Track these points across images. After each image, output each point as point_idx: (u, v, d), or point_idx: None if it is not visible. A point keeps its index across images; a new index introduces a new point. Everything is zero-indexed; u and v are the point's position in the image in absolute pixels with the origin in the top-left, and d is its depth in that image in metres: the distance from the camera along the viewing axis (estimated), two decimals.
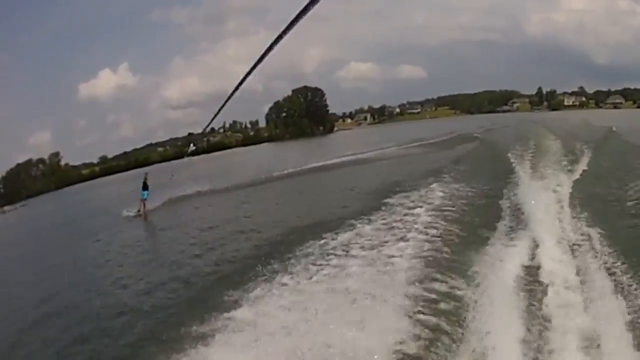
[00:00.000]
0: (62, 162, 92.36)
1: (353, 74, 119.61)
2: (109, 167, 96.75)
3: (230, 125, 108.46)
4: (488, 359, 5.46)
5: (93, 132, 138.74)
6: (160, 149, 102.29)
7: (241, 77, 3.79)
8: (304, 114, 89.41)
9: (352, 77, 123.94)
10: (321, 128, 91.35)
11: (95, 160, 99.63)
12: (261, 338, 6.49)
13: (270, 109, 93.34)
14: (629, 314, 5.92)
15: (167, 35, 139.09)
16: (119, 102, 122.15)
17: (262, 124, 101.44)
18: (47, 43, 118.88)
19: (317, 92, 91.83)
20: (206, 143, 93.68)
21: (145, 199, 22.01)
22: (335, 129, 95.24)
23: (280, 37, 2.95)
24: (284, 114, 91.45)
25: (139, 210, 21.69)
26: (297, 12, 2.61)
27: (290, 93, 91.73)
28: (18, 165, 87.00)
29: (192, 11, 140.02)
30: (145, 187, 22.18)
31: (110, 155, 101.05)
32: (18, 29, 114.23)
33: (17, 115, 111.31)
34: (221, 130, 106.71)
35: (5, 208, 63.63)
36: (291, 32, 2.84)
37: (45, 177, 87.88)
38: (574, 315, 6.05)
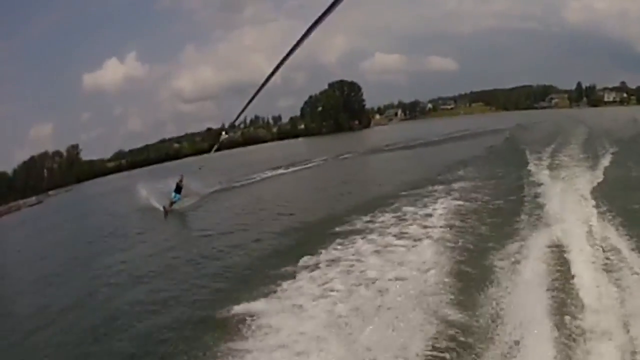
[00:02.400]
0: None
1: (378, 66, 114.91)
2: (137, 160, 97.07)
3: (252, 120, 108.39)
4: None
5: (99, 126, 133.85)
6: (176, 144, 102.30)
7: (271, 67, 3.59)
8: (340, 109, 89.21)
9: (378, 70, 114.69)
10: (357, 122, 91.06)
11: (106, 155, 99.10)
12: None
13: (305, 102, 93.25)
14: None
15: (178, 23, 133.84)
16: (127, 94, 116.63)
17: (285, 119, 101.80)
18: (49, 31, 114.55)
19: (354, 86, 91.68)
20: (241, 137, 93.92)
21: (175, 202, 21.46)
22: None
23: (311, 29, 2.63)
24: (319, 108, 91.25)
25: (165, 210, 21.12)
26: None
27: (307, 83, 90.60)
28: (32, 157, 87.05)
29: None
30: (178, 189, 21.64)
31: (125, 150, 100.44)
32: (18, 16, 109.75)
33: (16, 108, 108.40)
34: (242, 126, 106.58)
35: (50, 192, 67.88)
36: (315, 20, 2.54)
37: (61, 169, 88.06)
38: (604, 317, 5.86)
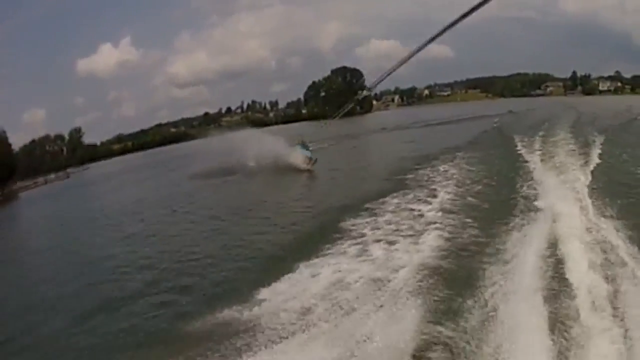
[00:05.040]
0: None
1: (374, 52, 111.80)
2: (143, 142, 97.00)
3: (249, 105, 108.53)
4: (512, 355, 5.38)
5: (92, 111, 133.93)
6: (173, 129, 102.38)
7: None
8: (343, 94, 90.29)
9: (373, 56, 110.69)
10: (358, 108, 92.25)
11: (101, 140, 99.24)
12: None
13: (309, 87, 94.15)
14: None
15: (174, 8, 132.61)
16: (121, 79, 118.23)
17: (282, 104, 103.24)
18: (42, 15, 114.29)
19: (356, 73, 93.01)
20: (245, 120, 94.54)
21: (311, 157, 24.68)
22: None
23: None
24: (322, 94, 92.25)
25: (308, 167, 24.29)
26: None
27: (301, 68, 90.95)
28: (34, 141, 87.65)
29: None
30: (305, 147, 25.50)
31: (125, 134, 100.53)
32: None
33: (8, 91, 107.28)
34: (239, 111, 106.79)
35: (69, 170, 70.42)
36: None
37: (63, 152, 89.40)
38: (600, 315, 5.89)
